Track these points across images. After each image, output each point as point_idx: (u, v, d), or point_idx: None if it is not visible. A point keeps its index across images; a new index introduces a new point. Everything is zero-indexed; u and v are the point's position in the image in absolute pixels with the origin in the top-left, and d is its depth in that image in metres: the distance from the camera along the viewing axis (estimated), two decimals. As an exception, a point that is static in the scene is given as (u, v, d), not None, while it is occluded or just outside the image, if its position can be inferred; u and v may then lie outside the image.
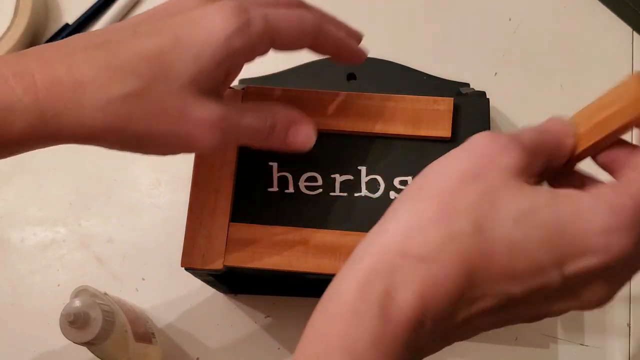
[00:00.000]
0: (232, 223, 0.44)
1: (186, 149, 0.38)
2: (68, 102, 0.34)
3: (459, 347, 0.52)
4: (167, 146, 0.37)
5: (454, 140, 0.45)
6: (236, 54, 0.36)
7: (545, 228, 0.30)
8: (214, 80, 0.37)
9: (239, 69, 0.40)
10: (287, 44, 0.38)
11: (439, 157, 0.45)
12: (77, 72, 0.34)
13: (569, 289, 0.32)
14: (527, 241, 0.30)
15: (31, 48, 0.37)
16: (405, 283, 0.30)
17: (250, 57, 0.38)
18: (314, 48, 0.40)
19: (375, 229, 0.33)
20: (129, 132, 0.35)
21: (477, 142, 0.32)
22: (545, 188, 0.32)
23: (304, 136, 0.40)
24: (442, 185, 0.31)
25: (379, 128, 0.45)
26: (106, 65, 0.34)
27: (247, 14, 0.36)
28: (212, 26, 0.35)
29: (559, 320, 0.52)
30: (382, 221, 0.33)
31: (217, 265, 0.44)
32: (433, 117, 0.45)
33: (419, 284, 0.30)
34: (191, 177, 0.46)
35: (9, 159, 0.59)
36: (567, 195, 0.31)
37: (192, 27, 0.36)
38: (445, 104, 0.45)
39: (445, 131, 0.45)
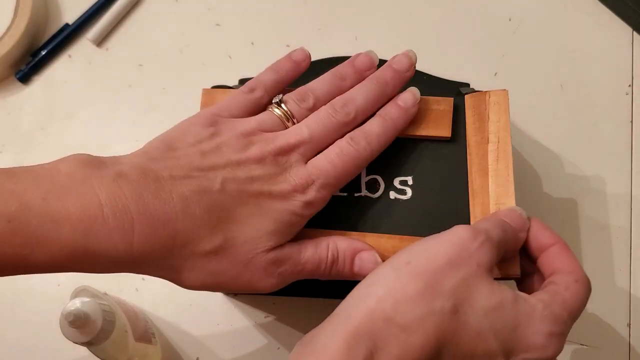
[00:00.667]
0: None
1: (242, 291, 0.41)
2: (159, 254, 0.37)
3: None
4: (225, 289, 0.42)
5: (454, 140, 0.45)
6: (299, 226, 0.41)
7: (506, 323, 0.36)
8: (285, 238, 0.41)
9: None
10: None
11: (439, 156, 0.45)
12: (173, 232, 0.37)
13: None
14: (490, 331, 0.35)
15: (119, 164, 0.37)
16: (387, 347, 0.34)
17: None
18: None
19: (362, 291, 0.37)
20: (193, 281, 0.40)
21: (460, 236, 0.37)
22: (509, 289, 0.37)
23: (371, 262, 0.42)
24: (429, 265, 0.36)
25: None
26: (198, 221, 0.37)
27: (313, 203, 0.41)
28: (287, 208, 0.40)
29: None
30: (369, 284, 0.37)
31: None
32: (433, 117, 0.45)
33: (398, 350, 0.34)
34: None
35: (8, 159, 0.59)
36: (525, 299, 0.37)
37: (270, 202, 0.39)
38: (445, 104, 0.45)
39: (445, 131, 0.45)
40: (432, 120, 0.45)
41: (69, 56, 0.60)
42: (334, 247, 0.42)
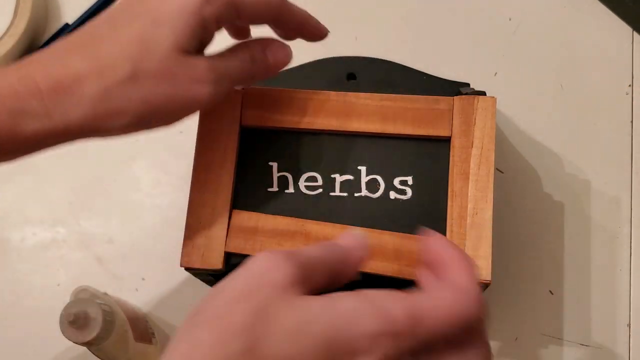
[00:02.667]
0: (232, 222, 0.44)
1: (187, 110, 0.40)
2: (71, 98, 0.37)
3: (459, 347, 0.52)
4: (169, 114, 0.40)
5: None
6: (206, 21, 0.39)
7: (320, 337, 0.30)
8: (193, 43, 0.39)
9: (211, 35, 0.42)
10: (252, 16, 0.41)
11: (439, 156, 0.45)
12: (73, 69, 0.37)
13: None
14: (302, 352, 0.30)
15: (27, 56, 0.39)
16: None
17: (219, 25, 0.41)
18: (278, 24, 0.43)
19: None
20: (130, 114, 0.38)
21: (253, 262, 0.32)
22: (320, 297, 0.32)
23: (282, 53, 0.43)
24: (216, 308, 0.32)
25: (379, 128, 0.45)
26: (97, 58, 0.37)
27: None
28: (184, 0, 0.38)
29: (559, 320, 0.52)
30: (166, 352, 0.34)
31: (217, 264, 0.44)
32: (433, 116, 0.45)
33: None
34: (191, 177, 0.46)
35: (9, 159, 0.59)
36: (341, 299, 0.32)
37: (165, 4, 0.38)
38: (445, 104, 0.45)
39: (445, 130, 0.45)
40: (432, 120, 0.45)
41: (69, 56, 0.60)
42: (249, 49, 0.42)
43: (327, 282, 0.34)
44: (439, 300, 0.32)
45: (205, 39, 0.41)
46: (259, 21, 0.42)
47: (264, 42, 0.43)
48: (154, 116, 0.40)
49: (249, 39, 0.44)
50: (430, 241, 0.36)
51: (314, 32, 0.45)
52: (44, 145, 0.38)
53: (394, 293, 0.33)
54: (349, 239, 0.36)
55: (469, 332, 0.33)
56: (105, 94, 0.37)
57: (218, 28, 0.41)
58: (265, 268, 0.32)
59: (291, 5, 0.43)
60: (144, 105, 0.38)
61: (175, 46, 0.38)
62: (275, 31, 0.44)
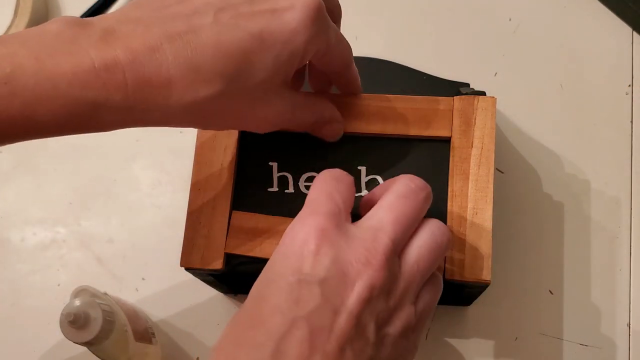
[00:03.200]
0: (231, 223, 0.44)
1: (243, 129, 0.43)
2: (156, 100, 0.35)
3: (458, 348, 0.52)
4: (230, 129, 0.44)
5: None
6: (309, 55, 0.38)
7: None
8: (286, 75, 0.39)
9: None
10: (331, 65, 0.42)
11: (439, 156, 0.45)
12: (166, 72, 0.35)
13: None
14: None
15: (106, 20, 0.36)
16: None
17: (306, 61, 0.40)
18: (337, 78, 0.44)
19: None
20: (207, 126, 0.41)
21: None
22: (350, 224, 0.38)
23: (337, 131, 0.45)
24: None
25: (379, 128, 0.45)
26: (193, 65, 0.35)
27: (327, 21, 0.38)
28: (296, 25, 0.37)
29: (559, 320, 0.52)
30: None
31: (217, 264, 0.44)
32: (433, 117, 0.45)
33: None
34: (191, 177, 0.46)
35: (9, 159, 0.59)
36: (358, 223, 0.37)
37: (275, 20, 0.36)
38: (445, 104, 0.45)
39: (445, 131, 0.45)
40: (431, 120, 0.45)
41: (69, 56, 0.60)
42: (322, 112, 0.43)
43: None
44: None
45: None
46: (327, 70, 0.43)
47: (333, 115, 0.44)
48: (219, 129, 0.43)
49: (324, 99, 0.44)
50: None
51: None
52: (116, 128, 0.37)
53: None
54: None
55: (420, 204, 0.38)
56: (192, 106, 0.36)
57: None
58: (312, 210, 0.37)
59: (354, 68, 0.44)
60: (220, 123, 0.39)
61: (269, 79, 0.37)
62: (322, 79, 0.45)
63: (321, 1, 0.37)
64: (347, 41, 0.42)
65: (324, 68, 0.42)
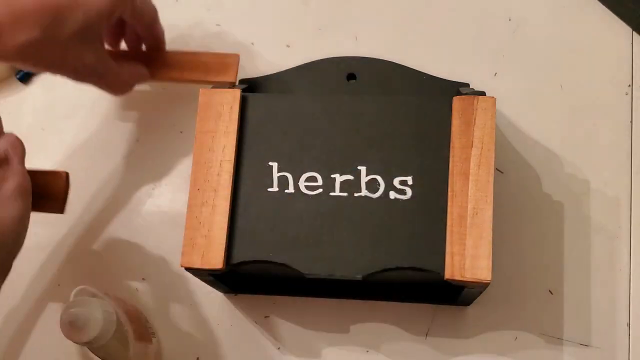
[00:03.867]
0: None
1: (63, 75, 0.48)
2: None
3: (458, 347, 0.52)
4: (52, 73, 0.48)
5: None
6: (113, 17, 0.47)
7: None
8: (97, 31, 0.47)
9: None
10: (139, 23, 0.51)
11: (439, 156, 0.45)
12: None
13: None
14: None
15: None
16: None
17: (114, 20, 0.48)
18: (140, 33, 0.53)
19: None
20: (33, 67, 0.47)
21: None
22: None
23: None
24: None
25: (178, 75, 0.54)
26: (17, 12, 0.42)
27: None
28: None
29: (559, 320, 0.52)
30: None
31: (217, 264, 0.44)
32: (220, 67, 0.53)
33: None
34: (190, 177, 0.46)
35: (9, 158, 0.59)
36: None
37: None
38: (231, 58, 0.53)
39: (231, 78, 0.52)
40: (219, 70, 0.53)
41: (69, 56, 0.60)
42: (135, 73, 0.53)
43: None
44: None
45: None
46: (135, 24, 0.51)
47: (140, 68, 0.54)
48: (47, 68, 0.47)
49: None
50: None
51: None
52: None
53: None
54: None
55: None
56: (17, 49, 0.43)
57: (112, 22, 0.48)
58: None
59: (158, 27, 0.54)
60: (43, 66, 0.46)
61: (78, 34, 0.44)
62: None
63: None
64: (152, 4, 0.52)
65: (133, 25, 0.51)
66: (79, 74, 0.48)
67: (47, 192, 0.48)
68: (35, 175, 0.46)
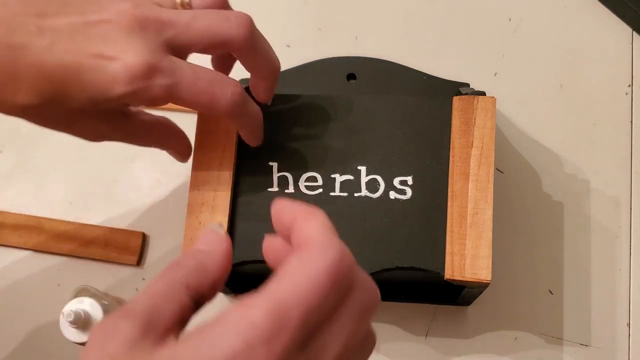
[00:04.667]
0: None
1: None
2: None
3: (458, 348, 0.52)
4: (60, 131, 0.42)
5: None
6: (126, 101, 0.39)
7: None
8: (106, 110, 0.41)
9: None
10: (187, 106, 0.40)
11: (439, 156, 0.45)
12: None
13: None
14: None
15: None
16: None
17: (140, 104, 0.40)
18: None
19: None
20: (46, 127, 0.41)
21: (90, 336, 0.29)
22: (169, 343, 0.28)
23: (184, 150, 0.47)
24: None
25: None
26: (16, 73, 0.37)
27: (153, 76, 0.37)
28: (116, 75, 0.37)
29: (559, 320, 0.52)
30: None
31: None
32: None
33: None
34: (190, 177, 0.46)
35: (9, 159, 0.59)
36: (189, 337, 0.28)
37: (98, 63, 0.37)
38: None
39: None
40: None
41: (69, 56, 0.60)
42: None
43: (187, 305, 0.31)
44: (295, 276, 0.27)
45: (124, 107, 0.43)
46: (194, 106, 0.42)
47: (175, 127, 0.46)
48: (54, 128, 0.42)
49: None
50: (276, 208, 0.32)
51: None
52: None
53: (247, 296, 0.28)
54: (208, 239, 0.33)
55: (342, 288, 0.28)
56: (13, 109, 0.39)
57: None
58: (101, 340, 0.28)
59: (242, 117, 0.43)
60: (49, 125, 0.41)
61: (83, 111, 0.40)
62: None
63: (150, 62, 0.37)
64: (214, 88, 0.39)
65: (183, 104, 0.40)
66: (98, 138, 0.43)
67: (125, 247, 0.55)
68: (115, 232, 0.55)
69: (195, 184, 0.46)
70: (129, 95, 0.38)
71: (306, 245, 0.28)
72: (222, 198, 0.45)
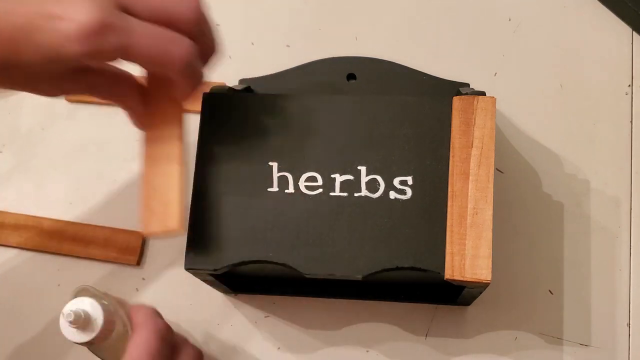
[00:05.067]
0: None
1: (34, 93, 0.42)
2: None
3: (458, 347, 0.52)
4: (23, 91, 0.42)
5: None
6: (81, 60, 0.38)
7: None
8: (60, 70, 0.40)
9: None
10: (141, 64, 0.40)
11: (439, 156, 0.45)
12: None
13: None
14: None
15: None
16: None
17: (96, 62, 0.41)
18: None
19: None
20: (8, 87, 0.41)
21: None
22: None
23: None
24: None
25: None
26: None
27: (106, 33, 0.37)
28: (69, 35, 0.37)
29: (559, 320, 0.52)
30: None
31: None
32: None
33: None
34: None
35: (9, 159, 0.59)
36: None
37: (49, 23, 0.37)
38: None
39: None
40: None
41: (69, 56, 0.60)
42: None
43: None
44: (134, 342, 0.44)
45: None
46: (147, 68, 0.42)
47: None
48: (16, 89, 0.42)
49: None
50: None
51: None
52: None
53: None
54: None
55: (167, 342, 0.45)
56: None
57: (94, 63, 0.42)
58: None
59: (192, 74, 0.42)
60: (10, 86, 0.41)
61: (38, 70, 0.39)
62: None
63: (102, 20, 0.37)
64: (168, 44, 0.39)
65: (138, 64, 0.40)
66: (59, 94, 0.43)
67: (125, 247, 0.55)
68: (115, 232, 0.55)
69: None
70: (83, 54, 0.37)
71: (137, 326, 0.44)
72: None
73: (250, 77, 0.52)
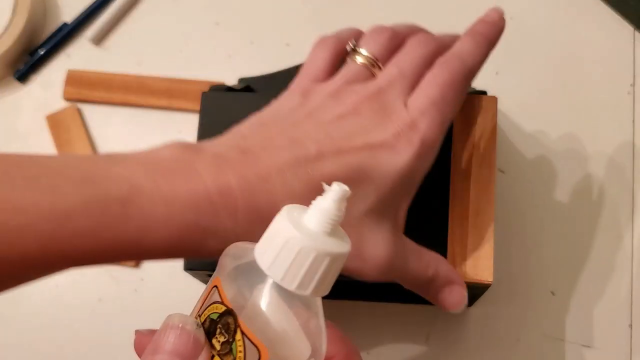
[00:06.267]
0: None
1: (351, 276, 0.38)
2: (262, 228, 0.30)
3: (460, 349, 0.52)
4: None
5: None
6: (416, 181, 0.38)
7: None
8: (394, 211, 0.38)
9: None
10: None
11: (440, 156, 0.44)
12: (274, 200, 0.34)
13: None
14: None
15: (217, 146, 0.36)
16: None
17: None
18: None
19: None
20: None
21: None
22: None
23: (457, 298, 0.40)
24: None
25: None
26: (297, 195, 0.35)
27: (424, 145, 0.37)
28: (396, 160, 0.37)
29: (561, 321, 0.52)
30: None
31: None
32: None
33: None
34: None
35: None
36: None
37: (375, 156, 0.36)
38: (195, 84, 0.55)
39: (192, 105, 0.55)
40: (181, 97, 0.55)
41: (68, 55, 0.60)
42: (436, 267, 0.39)
43: None
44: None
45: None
46: None
47: (451, 275, 0.40)
48: None
49: (435, 254, 0.41)
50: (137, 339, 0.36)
51: None
52: (216, 255, 0.32)
53: None
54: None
55: None
56: None
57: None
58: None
59: None
60: None
61: (372, 210, 0.37)
62: None
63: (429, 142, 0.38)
64: None
65: None
66: (373, 270, 0.39)
67: None
68: None
69: None
70: (415, 171, 0.38)
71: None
72: None
73: (250, 76, 0.52)
